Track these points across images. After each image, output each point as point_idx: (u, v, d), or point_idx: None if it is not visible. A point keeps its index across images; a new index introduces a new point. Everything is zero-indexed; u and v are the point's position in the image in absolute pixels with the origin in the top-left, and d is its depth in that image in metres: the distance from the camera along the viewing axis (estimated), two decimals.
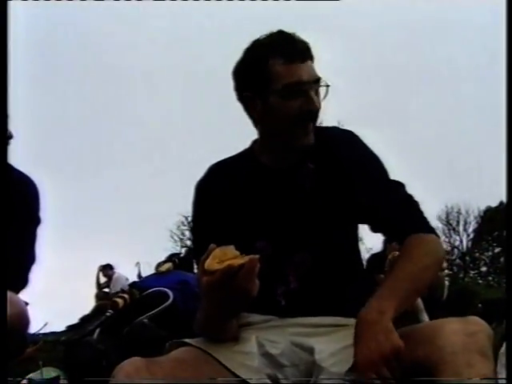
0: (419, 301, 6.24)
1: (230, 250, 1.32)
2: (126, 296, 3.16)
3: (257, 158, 1.65)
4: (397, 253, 6.96)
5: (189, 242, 23.59)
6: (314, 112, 1.54)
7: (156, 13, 25.38)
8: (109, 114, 29.28)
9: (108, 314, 3.01)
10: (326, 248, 1.58)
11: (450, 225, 27.24)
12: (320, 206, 1.57)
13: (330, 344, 1.45)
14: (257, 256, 1.29)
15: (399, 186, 1.60)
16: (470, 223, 27.47)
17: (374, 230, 1.62)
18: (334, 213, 1.57)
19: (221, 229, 1.60)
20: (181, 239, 24.04)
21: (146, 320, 3.03)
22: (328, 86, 1.55)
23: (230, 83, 1.64)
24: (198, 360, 1.41)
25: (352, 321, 1.50)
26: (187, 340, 1.48)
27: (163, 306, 3.10)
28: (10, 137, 2.06)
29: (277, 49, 1.53)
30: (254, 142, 1.69)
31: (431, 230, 1.56)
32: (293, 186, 1.60)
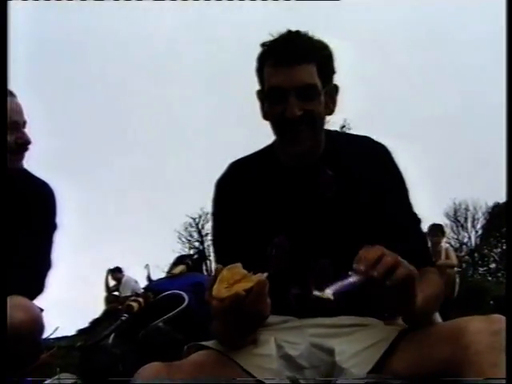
0: None
1: (238, 270, 1.30)
2: (140, 299, 3.13)
3: (276, 157, 1.65)
4: None
5: (197, 244, 23.82)
6: (292, 120, 1.51)
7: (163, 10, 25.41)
8: (118, 113, 29.72)
9: (123, 318, 2.98)
10: (349, 258, 1.51)
11: (459, 221, 27.22)
12: (342, 216, 1.57)
13: (351, 345, 1.43)
14: (265, 275, 1.28)
15: (419, 221, 1.63)
16: (479, 219, 27.48)
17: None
18: (356, 225, 1.57)
19: (240, 225, 1.61)
20: (189, 241, 24.27)
21: (161, 323, 3.01)
22: (318, 91, 1.53)
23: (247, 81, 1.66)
24: (217, 363, 1.40)
25: (372, 320, 1.53)
26: (206, 343, 1.47)
27: (178, 309, 3.08)
28: (28, 142, 2.04)
29: (272, 49, 1.54)
30: (276, 140, 1.67)
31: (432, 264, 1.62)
32: (312, 188, 1.59)
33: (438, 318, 5.62)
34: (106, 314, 9.16)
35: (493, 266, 27.04)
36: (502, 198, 26.17)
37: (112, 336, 2.98)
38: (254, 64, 1.59)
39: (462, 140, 29.98)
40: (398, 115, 27.84)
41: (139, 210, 27.54)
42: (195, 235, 24.39)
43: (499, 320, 1.28)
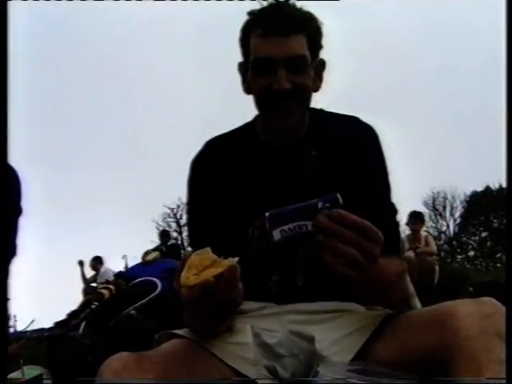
0: (411, 286, 6.24)
1: (207, 255, 1.20)
2: (111, 287, 3.01)
3: (257, 134, 1.56)
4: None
5: (175, 234, 23.81)
6: (280, 93, 1.42)
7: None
8: (99, 108, 29.43)
9: (93, 306, 2.86)
10: None
11: (437, 210, 27.42)
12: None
13: (332, 332, 1.36)
14: (235, 259, 1.17)
15: (395, 211, 1.54)
16: (457, 208, 27.74)
17: None
18: None
19: (219, 206, 1.51)
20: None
21: (133, 311, 2.90)
22: (308, 64, 1.44)
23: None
24: (190, 353, 1.32)
25: (353, 305, 1.46)
26: (178, 331, 1.38)
27: (151, 296, 2.97)
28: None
29: (260, 18, 1.45)
30: (257, 117, 1.58)
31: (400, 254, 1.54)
32: (294, 168, 1.51)
33: (418, 304, 5.61)
34: (82, 305, 9.03)
35: (471, 253, 27.43)
36: (480, 186, 26.74)
37: (82, 325, 2.86)
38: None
39: (440, 129, 30.23)
40: (380, 99, 27.87)
41: (117, 200, 27.51)
42: (173, 225, 24.42)
43: (490, 303, 1.20)
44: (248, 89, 1.52)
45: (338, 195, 1.20)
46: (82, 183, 27.17)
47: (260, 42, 1.44)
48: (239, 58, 1.53)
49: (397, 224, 1.55)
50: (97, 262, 10.08)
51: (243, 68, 1.53)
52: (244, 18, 1.50)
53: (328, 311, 1.43)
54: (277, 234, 1.21)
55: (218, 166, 1.55)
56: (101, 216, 26.17)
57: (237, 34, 1.52)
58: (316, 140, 1.52)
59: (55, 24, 25.42)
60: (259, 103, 1.49)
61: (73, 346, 2.71)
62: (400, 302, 1.47)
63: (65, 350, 2.72)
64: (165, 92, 30.81)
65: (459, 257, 26.95)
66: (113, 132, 30.15)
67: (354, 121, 1.58)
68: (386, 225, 1.42)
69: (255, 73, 1.46)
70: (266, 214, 1.22)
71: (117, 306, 2.96)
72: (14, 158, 2.01)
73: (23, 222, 2.03)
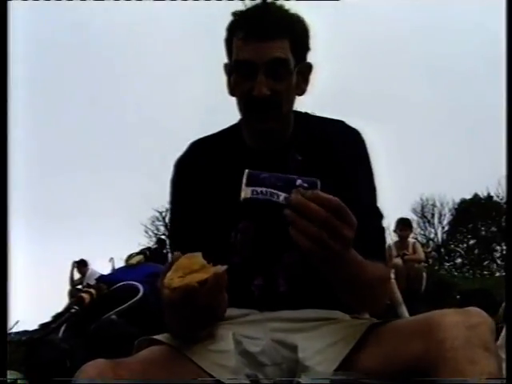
0: (398, 294, 6.23)
1: (197, 260, 1.17)
2: (92, 291, 2.95)
3: (241, 136, 1.53)
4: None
5: (163, 237, 23.74)
6: (259, 99, 1.39)
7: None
8: (91, 110, 29.44)
9: (73, 310, 2.80)
10: None
11: (425, 217, 27.46)
12: None
13: (315, 341, 1.33)
14: (223, 268, 1.15)
15: (381, 216, 1.51)
16: (445, 215, 27.80)
17: None
18: None
19: (201, 209, 1.48)
20: (155, 234, 24.18)
21: (114, 316, 2.84)
22: (290, 68, 1.42)
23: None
24: (169, 360, 1.29)
25: (338, 313, 1.44)
26: (157, 337, 1.35)
27: (133, 300, 2.92)
28: None
29: (243, 20, 1.42)
30: (241, 120, 1.55)
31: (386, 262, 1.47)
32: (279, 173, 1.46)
33: (405, 312, 5.60)
34: (68, 307, 8.96)
35: (459, 260, 27.51)
36: (468, 194, 26.84)
37: (62, 329, 2.81)
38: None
39: (430, 136, 30.31)
40: (368, 104, 27.93)
41: (105, 202, 27.42)
42: (162, 229, 24.34)
43: (476, 313, 1.18)
44: (232, 91, 1.50)
45: (318, 181, 1.17)
46: (69, 186, 27.10)
47: (241, 45, 1.41)
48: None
49: (382, 229, 1.52)
50: (81, 265, 10.03)
51: (228, 69, 1.50)
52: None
53: (312, 319, 1.41)
54: (247, 192, 1.19)
55: (201, 168, 1.52)
56: (88, 218, 26.10)
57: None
58: (301, 144, 1.50)
59: (55, 24, 25.41)
60: (240, 107, 1.48)
61: (51, 350, 2.66)
62: (382, 308, 1.44)
63: (42, 353, 2.66)
64: (155, 94, 30.79)
65: (447, 264, 27.04)
66: (102, 134, 30.07)
67: (339, 125, 1.55)
68: (370, 229, 1.44)
69: (237, 76, 1.44)
70: (246, 170, 1.21)
71: (97, 311, 2.90)
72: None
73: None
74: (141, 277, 3.18)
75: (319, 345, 1.31)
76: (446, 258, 27.46)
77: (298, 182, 1.16)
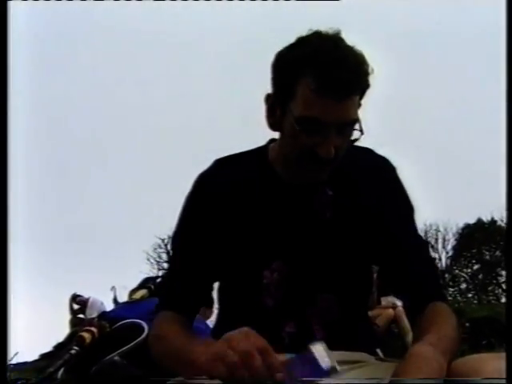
0: (406, 322, 6.08)
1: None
2: (94, 329, 2.78)
3: (271, 166, 1.43)
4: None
5: (165, 265, 23.59)
6: (325, 160, 1.29)
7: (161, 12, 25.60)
8: (98, 120, 29.64)
9: (73, 351, 2.62)
10: (354, 294, 1.46)
11: (429, 242, 27.33)
12: (344, 243, 1.41)
13: None
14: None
15: (426, 244, 1.50)
16: (449, 241, 27.81)
17: (389, 281, 1.43)
18: (357, 253, 1.43)
19: (230, 242, 1.39)
20: (157, 262, 24.18)
21: (117, 357, 2.67)
22: (362, 132, 1.32)
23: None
24: None
25: (364, 355, 1.42)
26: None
27: (137, 340, 2.73)
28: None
29: (315, 68, 1.25)
30: (270, 142, 1.47)
31: (446, 299, 1.46)
32: (309, 209, 1.41)
33: (410, 337, 5.42)
34: (70, 337, 8.90)
35: (463, 286, 27.45)
36: (472, 218, 26.80)
37: (60, 372, 2.64)
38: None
39: (434, 161, 30.32)
40: (370, 129, 28.08)
41: (107, 229, 27.32)
42: (164, 256, 24.23)
43: None
44: (274, 125, 1.40)
45: None
46: (70, 213, 27.07)
47: (312, 99, 1.27)
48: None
49: (431, 261, 1.48)
50: (77, 298, 9.93)
51: (273, 102, 1.38)
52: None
53: (340, 362, 1.28)
54: None
55: (228, 188, 1.42)
56: (90, 245, 25.99)
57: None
58: (331, 178, 1.40)
59: (55, 24, 25.45)
60: (292, 154, 1.35)
61: None
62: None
63: None
64: (158, 119, 30.81)
65: (451, 290, 26.93)
66: (104, 159, 30.12)
67: (370, 155, 1.48)
68: (424, 266, 1.39)
69: (301, 130, 1.30)
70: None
71: (99, 351, 2.73)
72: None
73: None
74: (145, 314, 3.00)
75: None
76: (451, 283, 27.37)
77: None
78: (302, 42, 1.31)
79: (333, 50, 1.27)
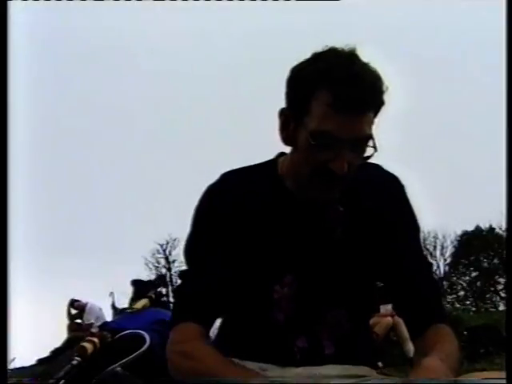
0: (404, 330, 6.11)
1: None
2: (95, 340, 2.78)
3: (281, 180, 1.43)
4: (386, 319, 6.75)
5: (164, 270, 23.61)
6: (338, 175, 1.29)
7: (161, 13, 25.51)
8: (99, 126, 29.63)
9: (74, 362, 2.62)
10: (364, 309, 1.48)
11: (427, 250, 27.42)
12: (354, 258, 1.43)
13: None
14: None
15: (430, 265, 1.51)
16: (447, 248, 27.83)
17: (392, 299, 1.46)
18: (366, 269, 1.44)
19: (240, 256, 1.40)
20: (156, 267, 24.08)
21: (118, 368, 2.67)
22: (375, 149, 1.32)
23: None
24: None
25: (365, 369, 1.42)
26: None
27: (139, 351, 2.73)
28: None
29: (332, 83, 1.26)
30: (279, 156, 1.47)
31: (447, 320, 1.46)
32: (320, 225, 1.43)
33: (411, 348, 5.43)
34: (67, 342, 8.87)
35: (461, 293, 27.43)
36: (470, 226, 26.80)
37: (62, 382, 2.64)
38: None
39: (432, 168, 30.36)
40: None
41: (105, 235, 27.27)
42: (162, 262, 24.24)
43: None
44: (287, 140, 1.39)
45: None
46: (69, 218, 27.03)
47: (328, 114, 1.27)
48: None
49: (436, 282, 1.52)
50: (75, 303, 9.91)
51: (287, 116, 1.37)
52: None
53: (336, 376, 1.36)
54: None
55: (238, 202, 1.42)
56: (89, 251, 25.95)
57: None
58: (342, 194, 1.40)
59: (55, 24, 25.54)
60: (309, 174, 1.35)
61: None
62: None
63: None
64: (158, 127, 30.81)
65: (449, 297, 26.92)
66: (104, 166, 30.07)
67: (377, 171, 1.49)
68: (428, 287, 1.43)
69: (314, 144, 1.30)
70: None
71: (101, 362, 2.73)
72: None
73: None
74: (147, 324, 3.01)
75: None
76: (449, 290, 27.37)
77: None
78: (317, 57, 1.32)
79: (349, 66, 1.26)
